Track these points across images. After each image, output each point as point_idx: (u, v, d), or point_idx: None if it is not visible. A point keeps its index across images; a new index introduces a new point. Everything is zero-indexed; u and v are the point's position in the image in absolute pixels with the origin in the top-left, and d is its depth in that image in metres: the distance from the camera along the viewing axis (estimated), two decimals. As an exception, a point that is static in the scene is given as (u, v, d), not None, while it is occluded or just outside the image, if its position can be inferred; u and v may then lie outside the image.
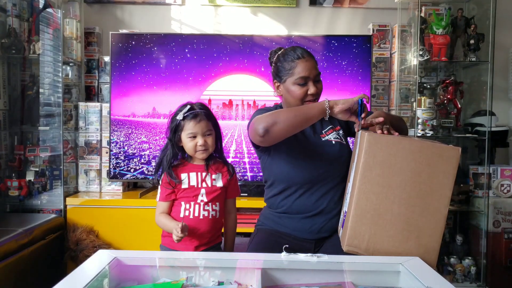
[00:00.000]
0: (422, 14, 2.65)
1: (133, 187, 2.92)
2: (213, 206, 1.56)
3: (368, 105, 1.50)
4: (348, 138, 1.71)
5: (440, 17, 2.55)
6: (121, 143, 2.66)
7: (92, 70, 2.90)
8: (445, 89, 2.63)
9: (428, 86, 2.74)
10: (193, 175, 1.56)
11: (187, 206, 1.54)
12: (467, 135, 2.63)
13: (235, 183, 1.64)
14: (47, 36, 2.65)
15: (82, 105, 2.74)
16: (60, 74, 2.59)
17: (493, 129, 2.57)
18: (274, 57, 1.62)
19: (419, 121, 2.52)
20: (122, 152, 2.66)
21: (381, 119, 1.36)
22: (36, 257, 2.27)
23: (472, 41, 2.57)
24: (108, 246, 2.51)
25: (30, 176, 2.65)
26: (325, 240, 1.57)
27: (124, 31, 2.76)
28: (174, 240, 1.43)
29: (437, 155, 1.24)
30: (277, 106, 1.68)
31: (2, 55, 2.63)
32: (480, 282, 2.54)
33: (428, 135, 2.51)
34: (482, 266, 2.55)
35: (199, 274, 1.17)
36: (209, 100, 2.66)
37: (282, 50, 1.62)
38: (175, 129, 1.55)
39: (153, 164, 2.66)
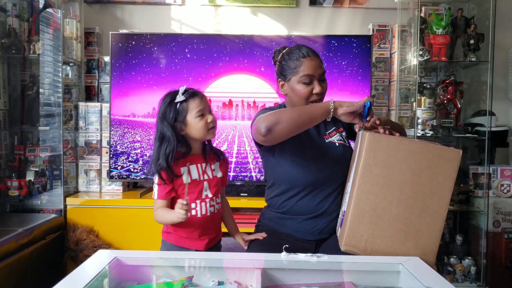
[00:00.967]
0: (422, 14, 2.65)
1: (133, 187, 2.92)
2: (216, 199, 1.52)
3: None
4: (350, 141, 1.71)
5: (440, 17, 2.55)
6: (121, 143, 2.66)
7: (92, 70, 2.90)
8: (445, 89, 2.63)
9: (428, 86, 2.74)
10: (193, 167, 1.46)
11: (193, 205, 1.47)
12: (467, 135, 2.63)
13: (227, 170, 1.60)
14: (47, 36, 2.65)
15: (82, 105, 2.74)
16: (60, 74, 2.59)
17: (493, 129, 2.57)
18: (279, 56, 1.61)
19: (419, 121, 2.52)
20: (122, 152, 2.66)
21: (377, 121, 1.36)
22: (36, 257, 2.27)
23: (472, 41, 2.57)
24: (108, 246, 2.51)
25: (30, 176, 2.65)
26: (325, 240, 1.57)
27: (124, 31, 2.76)
28: (180, 219, 1.35)
29: (437, 156, 1.24)
30: (280, 106, 1.67)
31: (2, 55, 2.63)
32: (480, 282, 2.54)
33: (428, 135, 2.51)
34: (482, 266, 2.55)
35: (199, 274, 1.17)
36: (209, 100, 2.65)
37: (286, 48, 1.60)
38: (177, 115, 1.42)
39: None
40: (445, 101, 2.61)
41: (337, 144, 1.59)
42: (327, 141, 1.60)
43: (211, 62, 2.65)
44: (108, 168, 2.68)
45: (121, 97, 2.66)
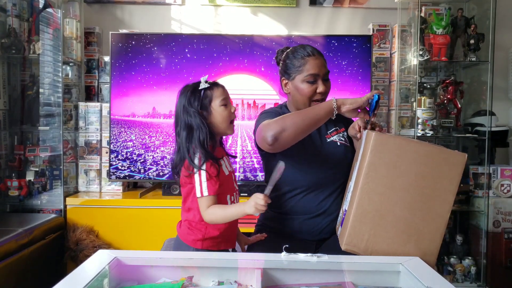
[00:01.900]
0: (422, 14, 2.65)
1: (133, 187, 2.92)
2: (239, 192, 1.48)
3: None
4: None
5: (440, 17, 2.55)
6: (121, 143, 2.66)
7: (92, 70, 2.90)
8: (445, 89, 2.63)
9: (428, 86, 2.74)
10: (222, 161, 1.41)
11: (232, 198, 1.41)
12: (467, 135, 2.63)
13: None
14: (47, 36, 2.65)
15: (82, 105, 2.74)
16: (60, 74, 2.59)
17: (493, 129, 2.57)
18: (282, 55, 1.60)
19: (419, 121, 2.52)
20: (122, 152, 2.66)
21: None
22: (36, 257, 2.27)
23: (472, 41, 2.57)
24: (108, 246, 2.51)
25: (30, 176, 2.65)
26: (325, 240, 1.56)
27: (124, 31, 2.76)
28: (259, 211, 1.25)
29: (443, 159, 1.23)
30: (282, 106, 1.66)
31: (2, 55, 2.63)
32: (480, 282, 2.54)
33: (428, 135, 2.51)
34: (482, 266, 2.55)
35: (199, 274, 1.17)
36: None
37: (290, 48, 1.60)
38: (202, 103, 1.36)
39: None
40: (445, 101, 2.61)
41: (338, 143, 1.58)
42: (328, 140, 1.59)
43: (211, 62, 2.65)
44: (108, 168, 2.68)
45: (121, 97, 2.66)
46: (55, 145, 2.70)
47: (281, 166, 1.22)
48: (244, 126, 2.66)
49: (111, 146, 2.66)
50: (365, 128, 1.43)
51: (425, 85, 2.73)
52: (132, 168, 2.66)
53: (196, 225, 1.40)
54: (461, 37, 2.64)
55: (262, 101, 2.65)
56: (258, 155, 1.74)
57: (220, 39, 2.67)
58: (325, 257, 1.19)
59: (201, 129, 1.36)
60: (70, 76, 2.78)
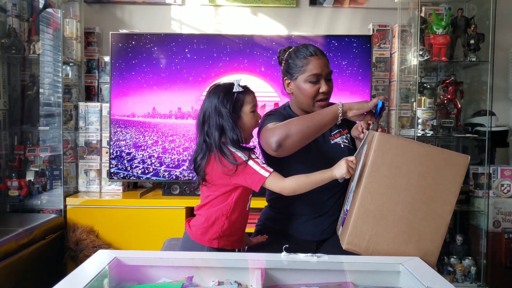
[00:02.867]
0: (422, 14, 2.65)
1: (133, 187, 2.92)
2: None
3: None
4: None
5: (440, 17, 2.55)
6: (121, 143, 2.66)
7: (92, 70, 2.90)
8: (445, 89, 2.63)
9: (428, 86, 2.74)
10: None
11: (251, 196, 1.46)
12: (467, 135, 2.63)
13: None
14: (47, 36, 2.65)
15: (82, 105, 2.74)
16: (60, 74, 2.59)
17: (493, 129, 2.57)
18: (285, 55, 1.59)
19: (419, 121, 2.52)
20: (122, 152, 2.66)
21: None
22: (36, 257, 2.27)
23: (472, 41, 2.57)
24: (108, 246, 2.51)
25: (30, 176, 2.65)
26: (326, 241, 1.56)
27: (124, 31, 2.76)
28: (346, 175, 1.26)
29: (445, 161, 1.24)
30: (286, 107, 1.65)
31: (2, 55, 2.63)
32: (480, 282, 2.54)
33: (428, 135, 2.51)
34: (482, 266, 2.55)
35: (199, 274, 1.17)
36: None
37: (292, 48, 1.59)
38: (233, 106, 1.37)
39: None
40: (445, 101, 2.61)
41: (342, 145, 1.58)
42: (332, 142, 1.59)
43: (211, 62, 2.65)
44: (108, 168, 2.68)
45: (121, 97, 2.66)
46: (55, 145, 2.70)
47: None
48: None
49: (111, 146, 2.66)
50: (368, 129, 1.43)
51: (425, 85, 2.73)
52: (132, 168, 2.66)
53: (216, 221, 1.40)
54: (461, 37, 2.64)
55: (262, 101, 2.65)
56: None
57: (220, 39, 2.67)
58: (325, 257, 1.19)
59: (233, 130, 1.37)
60: (70, 76, 2.78)
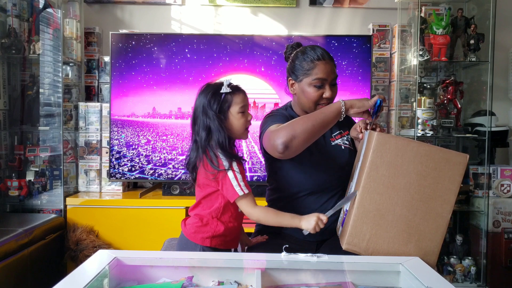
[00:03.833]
0: (422, 14, 2.65)
1: (133, 187, 2.92)
2: None
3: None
4: None
5: (440, 17, 2.55)
6: (121, 143, 2.66)
7: (92, 70, 2.90)
8: (445, 89, 2.63)
9: (428, 86, 2.74)
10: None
11: None
12: (467, 135, 2.63)
13: None
14: (47, 36, 2.65)
15: (82, 105, 2.74)
16: (60, 74, 2.59)
17: (493, 129, 2.57)
18: (292, 53, 1.57)
19: (419, 121, 2.52)
20: (122, 152, 2.66)
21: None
22: (36, 257, 2.27)
23: (472, 41, 2.57)
24: (108, 246, 2.51)
25: (30, 176, 2.65)
26: (326, 241, 1.56)
27: (124, 31, 2.76)
28: (315, 230, 1.27)
29: (444, 160, 1.24)
30: (287, 107, 1.64)
31: (2, 55, 2.63)
32: (480, 282, 2.54)
33: (428, 135, 2.51)
34: (482, 266, 2.55)
35: (199, 274, 1.17)
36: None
37: (301, 47, 1.57)
38: (220, 107, 1.36)
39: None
40: (445, 101, 2.61)
41: (343, 147, 1.58)
42: (333, 143, 1.59)
43: (211, 62, 2.65)
44: (108, 168, 2.68)
45: (121, 97, 2.66)
46: (55, 145, 2.70)
47: (354, 195, 1.27)
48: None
49: (111, 146, 2.66)
50: (366, 129, 1.43)
51: (425, 85, 2.73)
52: (132, 168, 2.66)
53: (209, 222, 1.40)
54: (461, 37, 2.64)
55: (262, 101, 2.65)
56: (256, 155, 1.73)
57: (220, 39, 2.67)
58: (325, 257, 1.19)
59: (219, 132, 1.36)
60: (70, 76, 2.78)
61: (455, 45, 2.68)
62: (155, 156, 2.67)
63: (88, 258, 1.17)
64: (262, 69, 2.64)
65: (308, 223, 1.28)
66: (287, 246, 1.21)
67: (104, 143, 2.73)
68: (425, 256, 1.23)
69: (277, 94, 2.63)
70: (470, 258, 2.57)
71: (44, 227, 2.37)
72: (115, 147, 2.66)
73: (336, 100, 1.50)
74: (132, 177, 2.68)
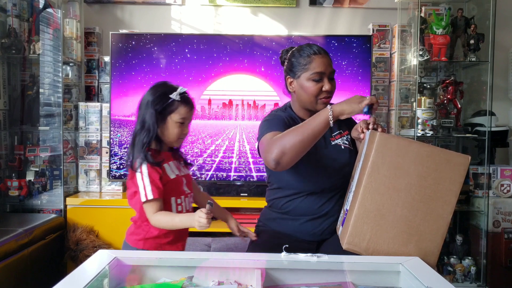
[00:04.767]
0: (422, 14, 2.65)
1: (133, 187, 2.92)
2: (191, 196, 1.51)
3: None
4: None
5: (440, 17, 2.55)
6: (121, 143, 2.66)
7: (92, 70, 2.90)
8: (445, 89, 2.63)
9: (428, 86, 2.74)
10: (166, 164, 1.43)
11: (179, 200, 1.43)
12: (467, 135, 2.62)
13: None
14: (47, 36, 2.65)
15: (82, 105, 2.74)
16: (60, 74, 2.59)
17: (493, 129, 2.57)
18: (287, 54, 1.59)
19: (419, 121, 2.52)
20: (122, 152, 2.66)
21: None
22: (36, 257, 2.27)
23: (472, 41, 2.57)
24: (108, 246, 2.51)
25: (30, 176, 2.65)
26: (326, 241, 1.56)
27: (124, 31, 2.77)
28: (201, 228, 1.27)
29: (445, 161, 1.23)
30: (287, 107, 1.64)
31: (2, 55, 2.63)
32: (480, 282, 2.54)
33: (428, 135, 2.51)
34: (482, 266, 2.55)
35: (199, 274, 1.17)
36: (209, 100, 2.66)
37: (296, 47, 1.59)
38: (163, 109, 1.40)
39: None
40: (445, 101, 2.61)
41: (342, 147, 1.58)
42: (333, 143, 1.58)
43: (211, 62, 2.65)
44: (108, 168, 2.68)
45: (121, 97, 2.66)
46: (55, 145, 2.70)
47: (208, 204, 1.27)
48: (244, 126, 2.66)
49: (111, 146, 2.66)
50: (367, 128, 1.42)
51: (425, 85, 2.73)
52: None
53: (141, 225, 1.42)
54: (461, 37, 2.64)
55: (262, 101, 2.66)
56: (256, 155, 1.73)
57: (220, 39, 2.67)
58: (325, 257, 1.19)
59: (149, 131, 1.39)
60: (70, 76, 2.78)
61: (455, 45, 2.67)
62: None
63: (88, 258, 1.17)
64: (262, 69, 2.64)
65: (193, 221, 1.28)
66: (287, 246, 1.21)
67: (104, 143, 2.73)
68: (425, 256, 1.23)
69: (277, 94, 2.63)
70: (470, 258, 2.57)
71: (44, 227, 2.37)
72: (115, 147, 2.66)
73: (334, 97, 1.51)
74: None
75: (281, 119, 1.53)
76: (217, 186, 2.71)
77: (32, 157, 2.70)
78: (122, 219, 2.53)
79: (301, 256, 1.19)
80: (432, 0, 2.75)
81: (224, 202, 2.61)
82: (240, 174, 2.65)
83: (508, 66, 2.92)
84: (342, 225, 1.37)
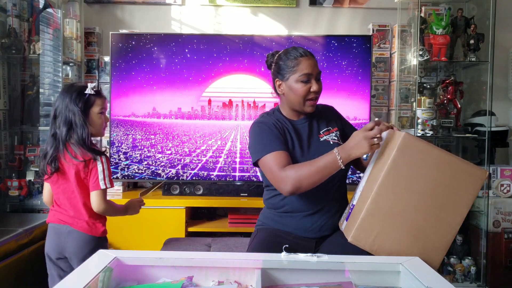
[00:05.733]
0: (422, 14, 2.65)
1: (133, 187, 2.92)
2: None
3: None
4: None
5: (440, 17, 2.55)
6: (121, 143, 2.66)
7: (92, 70, 2.90)
8: (445, 89, 2.63)
9: (428, 86, 2.74)
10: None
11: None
12: (467, 135, 2.63)
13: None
14: (47, 36, 2.65)
15: (82, 105, 2.74)
16: (60, 74, 2.59)
17: (493, 129, 2.57)
18: (274, 58, 1.63)
19: (419, 121, 2.52)
20: (122, 152, 2.66)
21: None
22: (36, 257, 2.27)
23: (472, 41, 2.57)
24: (108, 246, 2.50)
25: (30, 176, 2.65)
26: (325, 238, 1.57)
27: (124, 31, 2.77)
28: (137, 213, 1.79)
29: (464, 172, 1.24)
30: (275, 111, 1.66)
31: (2, 55, 2.63)
32: (480, 282, 2.54)
33: (428, 135, 2.51)
34: (482, 266, 2.55)
35: (199, 274, 1.17)
36: (209, 100, 2.66)
37: (282, 50, 1.62)
38: (84, 105, 1.58)
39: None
40: (445, 101, 2.61)
41: (331, 142, 1.59)
42: (321, 139, 1.60)
43: (211, 62, 2.65)
44: (108, 168, 2.68)
45: (121, 97, 2.66)
46: (55, 145, 2.70)
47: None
48: (244, 126, 2.66)
49: (111, 146, 2.66)
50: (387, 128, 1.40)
51: (425, 85, 2.73)
52: (132, 168, 2.66)
53: (98, 216, 1.70)
54: (461, 37, 2.64)
55: (262, 101, 2.66)
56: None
57: (220, 39, 2.67)
58: (325, 257, 1.19)
59: (83, 127, 1.58)
60: (70, 76, 2.78)
61: (455, 45, 2.68)
62: (155, 156, 2.67)
63: (88, 258, 1.17)
64: (262, 69, 2.64)
65: (133, 210, 1.79)
66: (287, 246, 1.21)
67: (104, 143, 2.73)
68: (427, 262, 1.23)
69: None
70: (470, 258, 2.57)
71: (44, 227, 2.37)
72: (115, 147, 2.66)
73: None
74: (132, 177, 2.68)
75: (271, 126, 1.55)
76: (217, 186, 2.71)
77: (32, 157, 2.70)
78: (122, 219, 2.54)
79: (301, 256, 1.19)
80: (432, 0, 2.75)
81: (224, 202, 2.62)
82: (240, 174, 2.65)
83: (508, 66, 2.92)
84: (346, 220, 1.37)
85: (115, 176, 2.66)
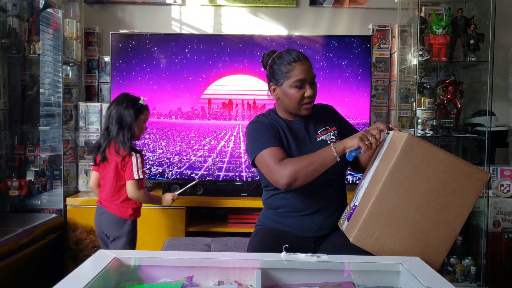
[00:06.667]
0: (422, 14, 2.65)
1: (133, 187, 2.92)
2: None
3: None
4: None
5: (440, 17, 2.55)
6: (121, 143, 2.66)
7: (92, 70, 2.90)
8: (445, 89, 2.63)
9: (428, 86, 2.74)
10: None
11: None
12: (467, 135, 2.63)
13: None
14: (47, 36, 2.65)
15: (82, 105, 2.74)
16: (60, 74, 2.59)
17: (493, 129, 2.57)
18: (269, 60, 1.62)
19: (419, 121, 2.52)
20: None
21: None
22: (36, 257, 2.27)
23: (472, 41, 2.57)
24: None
25: (30, 176, 2.65)
26: (325, 238, 1.57)
27: (124, 31, 2.77)
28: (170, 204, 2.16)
29: (467, 174, 1.25)
30: (271, 112, 1.66)
31: (2, 55, 2.63)
32: (480, 282, 2.54)
33: (428, 135, 2.51)
34: (482, 266, 2.55)
35: (199, 274, 1.17)
36: (209, 100, 2.67)
37: (276, 53, 1.62)
38: (136, 111, 1.98)
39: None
40: (445, 101, 2.61)
41: (329, 142, 1.59)
42: (318, 139, 1.60)
43: (211, 62, 2.65)
44: (108, 168, 2.68)
45: (121, 97, 2.65)
46: (55, 145, 2.70)
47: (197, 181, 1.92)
48: (244, 126, 2.66)
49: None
50: (388, 129, 1.40)
51: (425, 85, 2.73)
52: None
53: (129, 201, 2.02)
54: (461, 37, 2.64)
55: (262, 101, 2.66)
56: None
57: (220, 39, 2.68)
58: (325, 257, 1.19)
59: (130, 128, 1.97)
60: (70, 76, 2.78)
61: (455, 45, 2.68)
62: (155, 156, 2.67)
63: (88, 258, 1.17)
64: (262, 69, 2.62)
65: (166, 202, 2.14)
66: (287, 246, 1.21)
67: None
68: (428, 263, 1.23)
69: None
70: (470, 258, 2.57)
71: (44, 227, 2.37)
72: (115, 147, 2.66)
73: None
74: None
75: (266, 125, 1.55)
76: (217, 186, 2.71)
77: (32, 157, 2.70)
78: (122, 219, 2.54)
79: (301, 256, 1.19)
80: (432, 0, 2.75)
81: (224, 202, 2.62)
82: (240, 174, 2.65)
83: (508, 66, 2.92)
84: (347, 220, 1.37)
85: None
